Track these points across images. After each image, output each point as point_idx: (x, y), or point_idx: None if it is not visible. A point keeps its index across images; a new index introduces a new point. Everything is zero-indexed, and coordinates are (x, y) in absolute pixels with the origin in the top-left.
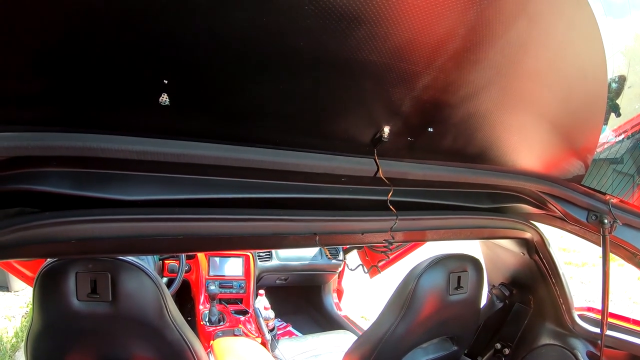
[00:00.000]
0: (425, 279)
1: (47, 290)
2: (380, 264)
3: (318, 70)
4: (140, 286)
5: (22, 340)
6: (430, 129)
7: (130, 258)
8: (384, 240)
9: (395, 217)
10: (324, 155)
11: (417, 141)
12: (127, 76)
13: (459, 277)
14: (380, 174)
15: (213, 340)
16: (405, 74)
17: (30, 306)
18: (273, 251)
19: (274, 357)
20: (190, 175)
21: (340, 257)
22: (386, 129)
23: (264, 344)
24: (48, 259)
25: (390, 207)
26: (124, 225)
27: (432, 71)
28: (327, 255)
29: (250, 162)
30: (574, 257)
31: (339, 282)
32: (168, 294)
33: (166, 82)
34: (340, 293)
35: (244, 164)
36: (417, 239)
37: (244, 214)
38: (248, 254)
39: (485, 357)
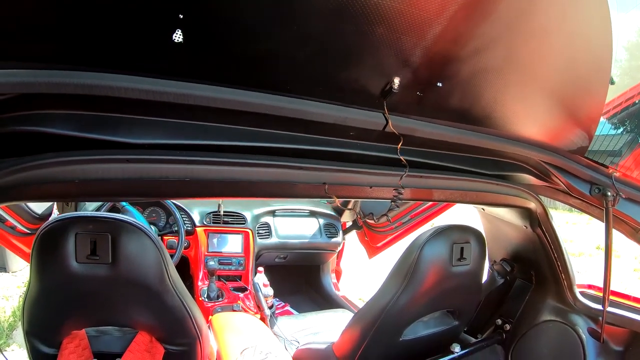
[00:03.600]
0: (429, 249)
1: (46, 252)
2: (380, 244)
3: (333, 13)
4: (141, 248)
5: (20, 320)
6: (439, 84)
7: (132, 220)
8: (393, 195)
9: (405, 170)
10: (334, 106)
11: (425, 96)
12: (142, 7)
13: (462, 248)
14: (390, 126)
15: (212, 315)
16: (417, 21)
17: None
18: (273, 229)
19: (273, 333)
20: (199, 122)
21: (340, 236)
22: (396, 80)
23: (262, 319)
24: (47, 221)
25: (400, 157)
26: (129, 167)
27: (443, 20)
28: (326, 234)
29: (261, 108)
30: (570, 247)
31: (338, 263)
32: (169, 258)
33: (182, 16)
34: (338, 273)
35: (255, 109)
36: (423, 197)
37: (253, 159)
38: (248, 230)
39: (486, 333)
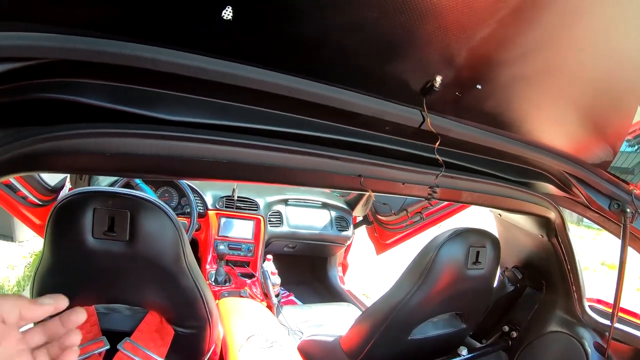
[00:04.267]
0: (446, 250)
1: (62, 225)
2: (389, 241)
3: (388, 3)
4: (160, 227)
5: (24, 290)
6: (478, 86)
7: (152, 198)
8: (427, 193)
9: (441, 169)
10: (374, 99)
11: (464, 97)
12: None
13: (478, 252)
14: (429, 124)
15: (218, 299)
16: (468, 21)
17: (35, 252)
18: (284, 217)
19: (278, 321)
20: (238, 103)
21: (350, 230)
22: (438, 79)
23: (269, 307)
24: (66, 193)
25: (437, 156)
26: (163, 143)
27: (492, 23)
28: (337, 227)
29: (302, 94)
30: None
31: (345, 257)
32: (187, 240)
33: None
34: (345, 267)
35: (295, 95)
36: (452, 198)
37: (291, 145)
38: (259, 217)
39: (492, 339)
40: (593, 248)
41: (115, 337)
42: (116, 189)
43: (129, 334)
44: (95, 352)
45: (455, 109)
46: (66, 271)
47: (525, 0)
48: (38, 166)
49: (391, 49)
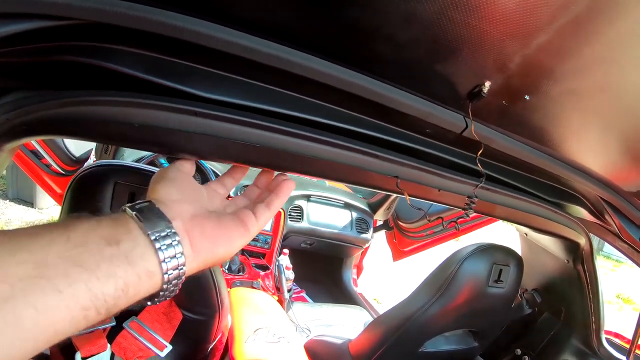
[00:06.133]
0: (469, 265)
1: (81, 196)
2: (408, 248)
3: None
4: None
5: None
6: (526, 97)
7: None
8: (465, 203)
9: (481, 180)
10: (421, 99)
11: (510, 107)
12: None
13: (501, 270)
14: (472, 132)
15: (230, 288)
16: (526, 27)
17: (54, 220)
18: (305, 213)
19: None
20: (279, 88)
21: (370, 233)
22: (487, 84)
23: (280, 302)
24: (88, 164)
25: (478, 165)
26: (196, 120)
27: (551, 31)
28: (357, 229)
29: (347, 86)
30: None
31: (361, 259)
32: None
33: None
34: (360, 270)
35: (340, 86)
36: (485, 211)
37: (330, 137)
38: (280, 210)
39: None
40: (610, 279)
41: (122, 313)
42: (139, 165)
43: (136, 313)
44: (100, 327)
45: (499, 119)
46: None
47: (590, 12)
48: (60, 130)
49: (445, 47)
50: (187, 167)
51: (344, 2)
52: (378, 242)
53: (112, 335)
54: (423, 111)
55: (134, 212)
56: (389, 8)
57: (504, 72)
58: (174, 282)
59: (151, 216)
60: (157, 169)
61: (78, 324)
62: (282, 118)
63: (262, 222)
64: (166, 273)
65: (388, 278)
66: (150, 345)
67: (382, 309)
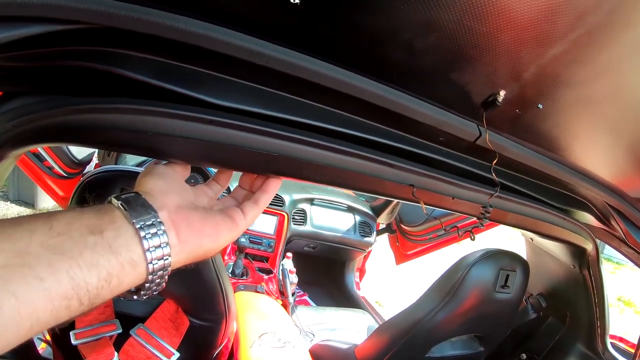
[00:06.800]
0: (476, 270)
1: (87, 201)
2: (410, 252)
3: (467, 6)
4: None
5: None
6: (539, 105)
7: None
8: (479, 212)
9: (496, 189)
10: (435, 107)
11: (523, 115)
12: None
13: (507, 276)
14: (487, 140)
15: (234, 292)
16: (545, 36)
17: None
18: (308, 216)
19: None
20: (293, 96)
21: (373, 236)
22: (502, 93)
23: (284, 306)
24: (94, 169)
25: (493, 174)
26: (210, 129)
27: (567, 40)
28: (360, 232)
29: (363, 93)
30: None
31: (364, 263)
32: None
33: None
34: (362, 273)
35: (356, 94)
36: (497, 219)
37: (347, 146)
38: (284, 213)
39: None
40: (611, 281)
41: (128, 320)
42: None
43: (142, 320)
44: (106, 334)
45: (512, 127)
46: None
47: (605, 22)
48: (69, 138)
49: (462, 56)
50: (178, 167)
51: (360, 10)
52: (380, 245)
53: (119, 343)
54: (437, 119)
55: (120, 202)
56: (407, 15)
57: (519, 81)
58: (159, 273)
59: (137, 206)
60: None
61: (60, 314)
62: (299, 127)
63: (250, 218)
64: (150, 263)
65: (390, 281)
66: (157, 353)
67: (384, 312)
